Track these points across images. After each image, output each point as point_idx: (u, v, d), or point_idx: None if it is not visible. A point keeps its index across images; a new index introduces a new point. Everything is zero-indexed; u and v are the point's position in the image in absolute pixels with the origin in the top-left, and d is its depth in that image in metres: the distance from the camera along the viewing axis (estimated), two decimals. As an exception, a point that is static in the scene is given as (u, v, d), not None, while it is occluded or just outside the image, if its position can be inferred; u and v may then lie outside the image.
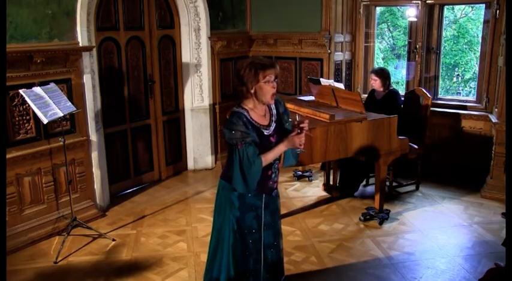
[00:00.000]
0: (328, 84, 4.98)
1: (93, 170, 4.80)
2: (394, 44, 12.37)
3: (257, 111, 2.76)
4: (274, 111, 2.86)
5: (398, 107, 5.17)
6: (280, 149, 2.75)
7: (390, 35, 12.43)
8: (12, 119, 4.10)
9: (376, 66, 7.12)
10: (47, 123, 3.95)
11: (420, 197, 5.25)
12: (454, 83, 11.86)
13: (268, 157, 2.72)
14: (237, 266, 2.88)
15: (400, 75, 10.49)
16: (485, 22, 5.63)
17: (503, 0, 5.15)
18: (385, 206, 4.72)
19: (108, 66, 5.12)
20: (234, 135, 2.64)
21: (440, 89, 6.40)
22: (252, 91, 2.69)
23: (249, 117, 2.71)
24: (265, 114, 2.80)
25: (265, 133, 2.76)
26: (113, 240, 4.31)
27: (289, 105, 4.67)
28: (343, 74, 6.27)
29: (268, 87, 2.68)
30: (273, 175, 2.89)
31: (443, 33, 6.34)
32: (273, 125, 2.81)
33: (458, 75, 11.82)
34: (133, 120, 5.51)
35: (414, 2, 5.86)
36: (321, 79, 5.21)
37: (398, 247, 4.15)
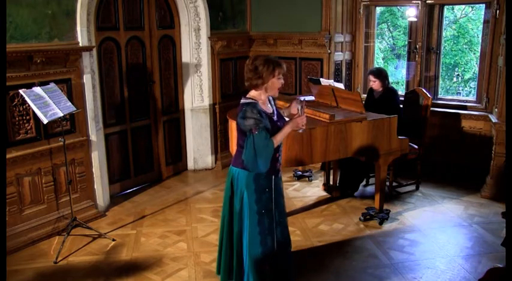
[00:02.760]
0: (328, 84, 4.98)
1: (93, 170, 4.80)
2: (394, 44, 12.36)
3: (263, 102, 3.12)
4: (273, 102, 3.25)
5: (396, 105, 5.16)
6: (286, 130, 3.09)
7: (390, 35, 12.42)
8: (12, 119, 4.10)
9: (376, 66, 7.12)
10: (47, 123, 3.95)
11: (420, 197, 5.25)
12: (454, 83, 11.85)
13: (277, 138, 3.05)
14: (255, 248, 3.14)
15: (400, 75, 10.48)
16: (485, 22, 5.63)
17: (503, 0, 5.15)
18: (385, 206, 4.72)
19: (108, 66, 5.12)
20: (248, 122, 2.95)
21: (440, 89, 6.40)
22: (266, 85, 3.04)
23: (261, 107, 3.05)
24: (266, 104, 3.16)
25: (274, 119, 3.13)
26: (113, 240, 4.31)
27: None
28: (343, 74, 6.27)
29: (278, 82, 3.08)
30: (279, 157, 3.22)
31: (443, 33, 6.34)
32: (276, 112, 3.19)
33: (458, 75, 11.81)
34: (134, 120, 5.51)
35: (414, 2, 5.86)
36: (321, 79, 5.21)
37: (398, 247, 4.15)
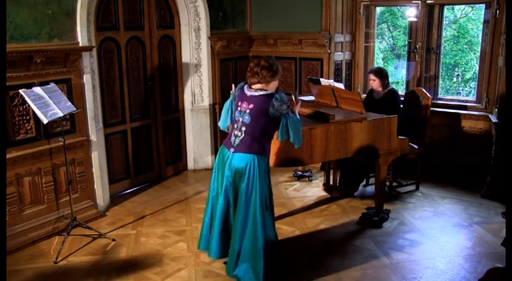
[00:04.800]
0: (328, 84, 4.98)
1: (93, 170, 4.80)
2: (394, 44, 12.37)
3: None
4: None
5: (398, 107, 5.16)
6: (296, 111, 3.51)
7: (390, 35, 12.44)
8: (12, 119, 4.10)
9: (375, 66, 7.11)
10: (47, 123, 3.95)
11: (420, 197, 5.25)
12: (454, 83, 11.87)
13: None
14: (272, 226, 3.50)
15: (400, 75, 10.50)
16: (485, 22, 5.63)
17: (503, 0, 5.15)
18: (385, 206, 4.73)
19: (108, 66, 5.12)
20: (285, 106, 3.31)
21: (440, 89, 6.40)
22: (273, 82, 3.42)
23: None
24: None
25: None
26: (113, 240, 4.31)
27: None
28: (343, 74, 6.27)
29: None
30: None
31: (443, 33, 6.34)
32: None
33: (458, 75, 11.83)
34: (134, 120, 5.51)
35: (414, 2, 5.86)
36: (321, 79, 5.20)
37: (398, 247, 4.15)
